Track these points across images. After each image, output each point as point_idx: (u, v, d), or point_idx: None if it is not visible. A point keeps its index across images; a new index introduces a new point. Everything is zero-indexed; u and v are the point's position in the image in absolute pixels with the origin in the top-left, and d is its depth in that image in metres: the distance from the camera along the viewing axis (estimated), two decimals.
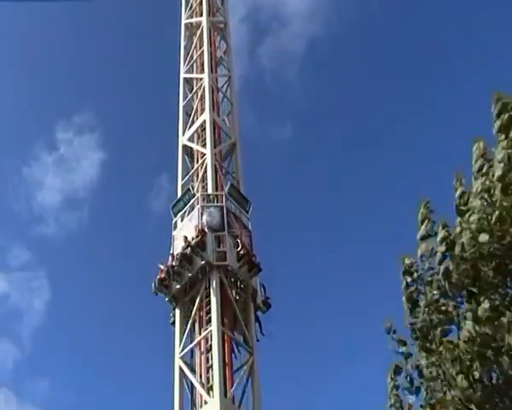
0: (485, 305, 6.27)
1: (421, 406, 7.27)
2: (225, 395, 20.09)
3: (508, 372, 6.31)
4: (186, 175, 27.58)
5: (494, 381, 6.44)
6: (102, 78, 73.04)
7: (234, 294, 23.04)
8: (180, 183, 27.24)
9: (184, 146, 28.46)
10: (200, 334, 21.96)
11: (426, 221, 6.97)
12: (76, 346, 63.81)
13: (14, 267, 68.60)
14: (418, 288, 7.01)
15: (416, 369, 7.23)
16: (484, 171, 6.61)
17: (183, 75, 31.40)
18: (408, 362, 7.25)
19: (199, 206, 24.24)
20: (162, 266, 23.31)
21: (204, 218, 23.60)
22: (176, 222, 25.45)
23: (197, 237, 22.42)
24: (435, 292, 6.77)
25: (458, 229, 6.64)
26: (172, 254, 23.47)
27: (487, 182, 6.50)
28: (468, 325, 6.35)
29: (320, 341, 58.70)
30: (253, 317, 23.35)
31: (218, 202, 24.79)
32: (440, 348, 6.73)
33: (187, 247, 22.59)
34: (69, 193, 68.31)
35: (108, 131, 68.83)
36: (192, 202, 25.11)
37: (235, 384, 21.01)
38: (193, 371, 21.79)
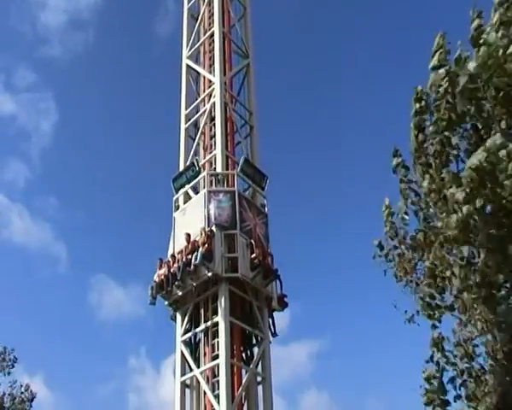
0: (497, 139, 6.21)
1: (415, 232, 7.56)
2: None
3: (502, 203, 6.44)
4: None
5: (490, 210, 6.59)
6: None
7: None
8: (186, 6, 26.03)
9: None
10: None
11: (439, 51, 6.80)
12: (83, 166, 65.23)
13: (20, 88, 68.01)
14: (426, 115, 7.08)
15: (417, 196, 7.51)
16: (505, 6, 6.35)
17: None
18: (408, 192, 7.49)
19: (205, 190, 19.95)
20: (160, 271, 19.60)
21: (212, 210, 19.44)
22: (177, 199, 21.34)
23: (203, 244, 18.42)
24: (443, 118, 6.71)
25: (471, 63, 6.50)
26: (173, 255, 19.64)
27: (508, 14, 6.28)
28: (480, 154, 6.27)
29: (328, 176, 61.08)
30: (267, 320, 20.15)
31: (228, 184, 20.48)
32: (443, 175, 6.83)
33: (191, 252, 18.73)
34: (74, 14, 66.42)
35: None
36: (197, 180, 20.82)
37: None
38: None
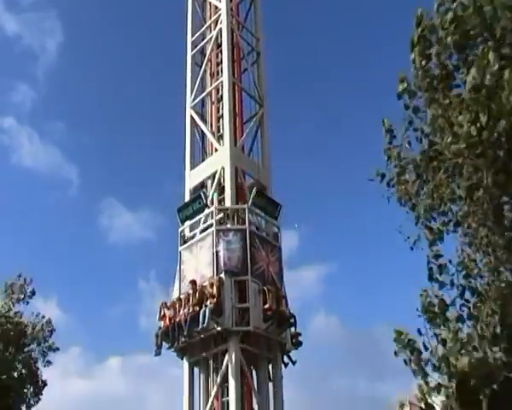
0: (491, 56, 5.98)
1: (420, 159, 7.20)
2: (235, 143, 20.22)
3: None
4: None
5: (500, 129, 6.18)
6: None
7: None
8: None
9: None
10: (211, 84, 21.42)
11: None
12: (89, 88, 64.23)
13: (24, 7, 65.57)
14: (430, 39, 6.68)
15: (422, 121, 7.08)
16: None
17: None
18: (413, 118, 7.05)
19: (213, 229, 18.15)
20: (165, 318, 18.08)
21: (221, 252, 17.71)
22: (183, 232, 19.58)
23: (212, 297, 16.80)
24: (447, 40, 6.45)
25: None
26: (179, 299, 18.06)
27: None
28: (473, 72, 6.07)
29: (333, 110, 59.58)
30: (279, 365, 18.66)
31: (238, 220, 18.65)
32: (447, 101, 6.64)
33: (198, 303, 17.12)
34: None
35: None
36: (204, 215, 18.97)
37: (244, 134, 20.97)
38: (204, 120, 21.71)
